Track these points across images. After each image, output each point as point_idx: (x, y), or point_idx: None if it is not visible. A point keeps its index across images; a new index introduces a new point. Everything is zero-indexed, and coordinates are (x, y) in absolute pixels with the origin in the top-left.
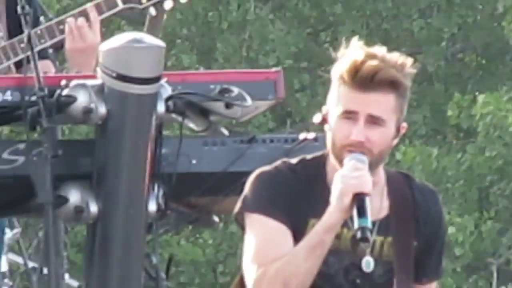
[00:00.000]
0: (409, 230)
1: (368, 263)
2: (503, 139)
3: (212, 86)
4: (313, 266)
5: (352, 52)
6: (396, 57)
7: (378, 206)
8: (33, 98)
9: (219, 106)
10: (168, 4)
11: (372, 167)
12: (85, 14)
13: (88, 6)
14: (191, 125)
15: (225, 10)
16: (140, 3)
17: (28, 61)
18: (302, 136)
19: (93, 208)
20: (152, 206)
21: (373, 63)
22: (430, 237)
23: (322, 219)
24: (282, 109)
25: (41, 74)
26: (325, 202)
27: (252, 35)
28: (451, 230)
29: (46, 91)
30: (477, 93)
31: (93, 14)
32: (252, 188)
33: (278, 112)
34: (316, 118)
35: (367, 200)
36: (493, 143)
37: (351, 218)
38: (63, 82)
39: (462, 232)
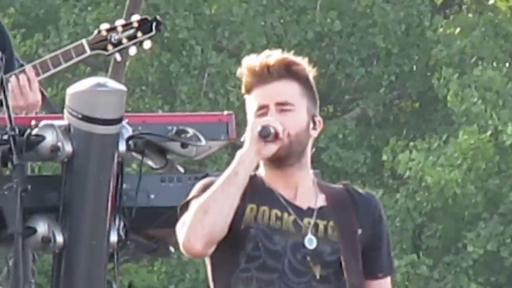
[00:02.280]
0: (349, 217)
1: (311, 241)
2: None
3: (169, 127)
4: (229, 195)
5: (245, 61)
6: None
7: (313, 197)
8: (5, 137)
9: (175, 145)
10: (132, 50)
11: (294, 153)
12: (25, 74)
13: (27, 67)
14: (150, 162)
15: (187, 56)
16: (106, 50)
17: (1, 103)
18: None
19: (59, 238)
20: (114, 237)
21: (265, 58)
22: (374, 228)
23: (237, 153)
24: (235, 146)
25: (13, 115)
26: (261, 193)
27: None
28: None
29: (17, 130)
30: (411, 141)
31: (31, 75)
32: (194, 188)
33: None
34: (243, 139)
35: (274, 131)
36: (422, 189)
37: (289, 205)
38: (33, 123)
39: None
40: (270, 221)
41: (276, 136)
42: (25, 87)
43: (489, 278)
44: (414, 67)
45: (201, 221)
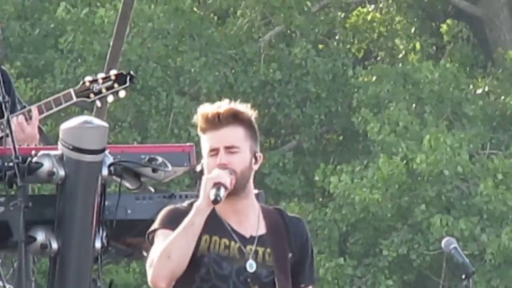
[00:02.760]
0: (283, 244)
1: (251, 265)
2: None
3: (142, 156)
4: (188, 241)
5: (200, 109)
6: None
7: (256, 225)
8: (11, 164)
9: (147, 170)
10: (110, 98)
11: (239, 186)
12: (29, 113)
13: (33, 107)
14: (127, 184)
15: (156, 99)
16: (89, 98)
17: (7, 136)
18: None
19: (54, 245)
20: (98, 244)
21: (216, 108)
22: (301, 250)
23: (194, 205)
24: (194, 172)
25: (17, 147)
26: (213, 223)
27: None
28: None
29: (20, 159)
30: (337, 165)
31: (34, 113)
32: (159, 216)
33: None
34: (198, 168)
35: (223, 188)
36: (347, 204)
37: (235, 233)
38: (33, 152)
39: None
40: (220, 250)
41: (226, 188)
42: (23, 124)
43: (401, 276)
44: (339, 108)
45: (165, 265)
